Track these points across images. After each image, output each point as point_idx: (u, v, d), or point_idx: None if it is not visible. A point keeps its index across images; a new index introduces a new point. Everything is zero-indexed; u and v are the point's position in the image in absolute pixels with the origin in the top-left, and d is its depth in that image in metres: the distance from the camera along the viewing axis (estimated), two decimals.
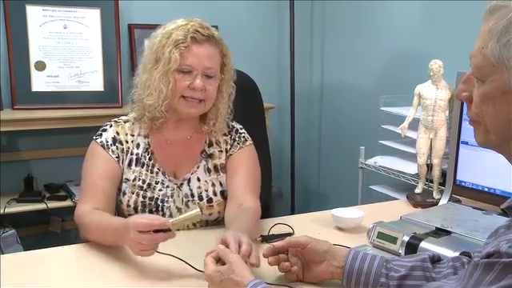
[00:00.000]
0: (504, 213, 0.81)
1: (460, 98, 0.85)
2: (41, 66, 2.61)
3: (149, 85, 1.43)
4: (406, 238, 1.31)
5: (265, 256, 1.18)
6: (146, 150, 1.49)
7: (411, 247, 1.29)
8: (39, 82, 2.60)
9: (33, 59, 2.59)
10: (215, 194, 1.52)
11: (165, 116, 1.46)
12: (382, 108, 2.23)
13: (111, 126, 1.50)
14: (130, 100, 1.53)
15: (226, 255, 1.09)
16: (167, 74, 1.40)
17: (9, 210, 2.44)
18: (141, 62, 1.49)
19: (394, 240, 1.33)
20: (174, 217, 1.44)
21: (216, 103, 1.50)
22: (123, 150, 1.48)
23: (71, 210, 2.56)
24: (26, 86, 2.58)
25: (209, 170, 1.53)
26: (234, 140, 1.56)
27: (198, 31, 1.41)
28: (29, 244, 2.31)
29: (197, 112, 1.47)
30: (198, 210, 1.23)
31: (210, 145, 1.55)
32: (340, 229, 1.51)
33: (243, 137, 1.58)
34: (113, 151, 1.47)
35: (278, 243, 1.18)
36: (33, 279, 1.20)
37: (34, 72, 2.59)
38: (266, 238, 1.41)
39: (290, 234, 1.43)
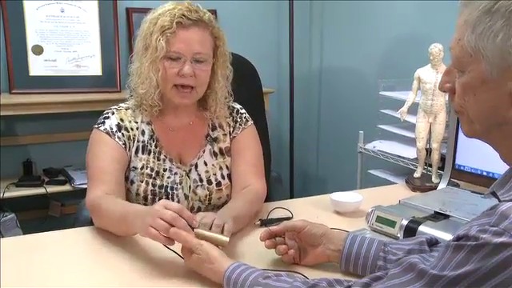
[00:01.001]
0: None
1: (443, 90, 0.86)
2: (38, 49, 2.59)
3: (140, 73, 1.42)
4: (405, 222, 1.31)
5: (261, 239, 1.18)
6: (151, 137, 1.47)
7: (410, 231, 1.29)
8: (37, 67, 2.59)
9: (30, 43, 2.57)
10: (223, 178, 1.52)
11: (159, 104, 1.44)
12: (381, 92, 2.23)
13: (113, 114, 1.47)
14: (127, 87, 1.52)
15: (194, 247, 1.09)
16: (155, 61, 1.38)
17: (8, 194, 2.45)
18: (134, 48, 1.47)
19: (392, 224, 1.33)
20: (182, 204, 1.44)
21: (213, 87, 1.48)
22: (129, 137, 1.45)
23: (70, 194, 2.59)
24: (23, 71, 2.57)
25: (215, 154, 1.53)
26: (236, 121, 1.56)
27: (184, 15, 1.37)
28: (28, 228, 2.32)
29: (190, 101, 1.45)
30: (228, 239, 1.13)
31: (214, 128, 1.54)
32: (339, 213, 1.51)
33: (244, 117, 1.58)
34: (119, 138, 1.43)
35: (275, 227, 1.19)
36: (33, 262, 1.21)
37: (31, 56, 2.58)
38: (265, 222, 1.41)
39: (288, 218, 1.43)
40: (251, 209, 1.42)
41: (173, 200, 1.47)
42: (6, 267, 1.15)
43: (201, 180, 1.50)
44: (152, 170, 1.46)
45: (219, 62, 1.47)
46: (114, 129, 1.44)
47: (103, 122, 1.45)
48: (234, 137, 1.55)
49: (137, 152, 1.46)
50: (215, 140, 1.53)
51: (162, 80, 1.40)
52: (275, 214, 1.46)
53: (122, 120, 1.46)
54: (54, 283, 1.11)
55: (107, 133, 1.43)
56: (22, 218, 2.54)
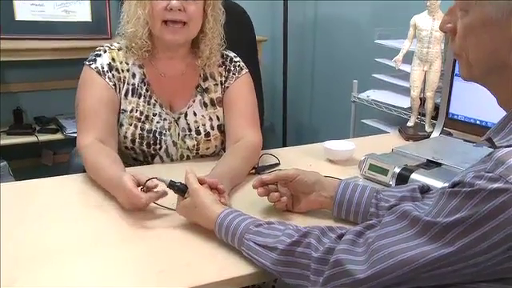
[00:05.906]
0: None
1: (444, 30, 0.85)
2: None
3: (128, 11, 1.39)
4: (397, 170, 1.32)
5: (254, 187, 1.18)
6: (143, 81, 1.45)
7: (402, 179, 1.30)
8: (23, 11, 2.51)
9: None
10: (212, 128, 1.50)
11: (147, 44, 1.41)
12: (376, 41, 2.19)
13: (105, 52, 1.44)
14: (117, 34, 1.48)
15: (189, 184, 1.10)
16: None
17: None
18: None
19: (385, 172, 1.34)
20: (170, 151, 1.48)
21: (205, 29, 1.44)
22: (120, 78, 1.43)
23: (62, 143, 2.59)
24: (8, 14, 2.49)
25: (205, 105, 1.50)
26: (229, 71, 1.52)
27: None
28: (21, 176, 2.29)
29: (181, 38, 1.40)
30: None
31: (205, 79, 1.51)
32: (331, 161, 1.52)
33: (238, 66, 1.54)
34: (109, 78, 1.41)
35: (267, 176, 1.18)
36: (26, 207, 1.21)
37: None
38: (259, 170, 1.41)
39: (277, 165, 1.44)
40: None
41: (161, 146, 1.46)
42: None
43: (189, 129, 1.49)
44: (141, 113, 1.44)
45: (209, 1, 1.42)
46: (105, 68, 1.41)
47: (94, 60, 1.42)
48: (228, 87, 1.51)
49: (126, 94, 1.44)
50: (206, 90, 1.51)
51: (150, 17, 1.37)
52: (265, 161, 1.46)
53: (113, 60, 1.43)
54: (47, 227, 1.12)
55: (98, 72, 1.41)
56: (15, 166, 2.53)
